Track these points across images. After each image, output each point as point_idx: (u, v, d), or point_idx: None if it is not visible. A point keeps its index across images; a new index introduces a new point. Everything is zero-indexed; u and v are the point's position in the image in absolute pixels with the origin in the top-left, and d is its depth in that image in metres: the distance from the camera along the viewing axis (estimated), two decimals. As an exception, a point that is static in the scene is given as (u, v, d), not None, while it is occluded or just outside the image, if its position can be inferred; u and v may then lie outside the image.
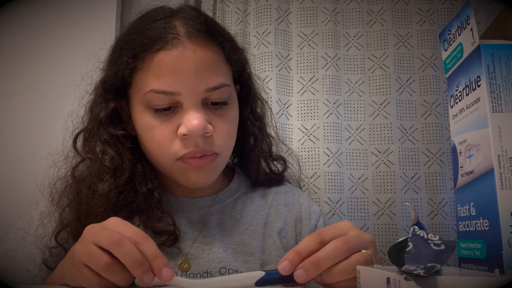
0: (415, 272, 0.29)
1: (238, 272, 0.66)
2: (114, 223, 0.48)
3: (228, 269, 0.66)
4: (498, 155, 0.39)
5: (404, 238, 0.31)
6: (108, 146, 0.67)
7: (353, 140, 1.35)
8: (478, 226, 0.41)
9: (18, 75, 1.25)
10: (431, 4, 1.41)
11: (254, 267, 0.68)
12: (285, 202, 0.79)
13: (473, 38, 0.42)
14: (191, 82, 0.62)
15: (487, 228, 0.39)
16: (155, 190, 0.67)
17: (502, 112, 0.40)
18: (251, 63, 1.39)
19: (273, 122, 0.87)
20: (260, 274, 0.45)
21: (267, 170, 0.84)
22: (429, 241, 0.28)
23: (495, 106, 0.40)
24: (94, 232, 0.47)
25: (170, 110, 0.64)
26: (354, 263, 0.45)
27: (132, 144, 0.69)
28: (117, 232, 0.44)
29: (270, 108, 0.87)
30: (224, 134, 0.66)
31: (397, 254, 0.30)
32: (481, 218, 0.40)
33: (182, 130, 0.62)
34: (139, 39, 0.64)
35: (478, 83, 0.41)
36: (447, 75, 0.49)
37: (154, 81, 0.62)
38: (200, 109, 0.63)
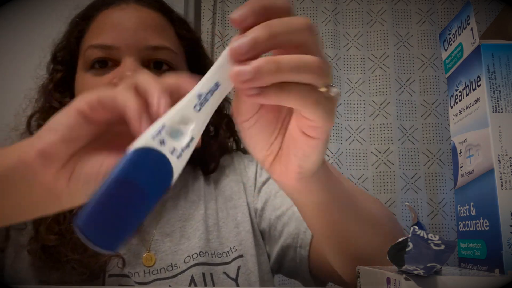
0: (415, 272, 0.29)
1: (204, 254, 0.61)
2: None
3: (192, 255, 0.61)
4: (498, 155, 0.39)
5: (404, 238, 0.31)
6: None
7: (353, 140, 1.35)
8: (478, 226, 0.41)
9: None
10: (431, 4, 1.41)
11: (216, 246, 0.63)
12: (229, 176, 0.72)
13: (473, 38, 0.42)
14: (130, 36, 0.60)
15: (487, 228, 0.39)
16: None
17: (502, 112, 0.40)
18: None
19: None
20: None
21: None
22: (429, 241, 0.28)
23: (495, 106, 0.40)
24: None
25: (107, 67, 0.60)
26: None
27: None
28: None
29: None
30: None
31: (397, 254, 0.30)
32: (481, 218, 0.40)
33: (114, 81, 0.58)
34: (90, 3, 0.66)
35: (478, 83, 0.41)
36: (447, 75, 0.49)
37: (94, 37, 0.62)
38: (138, 65, 0.60)
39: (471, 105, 0.43)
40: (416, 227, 0.29)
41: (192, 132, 0.31)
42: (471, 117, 0.43)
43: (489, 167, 0.39)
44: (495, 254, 0.38)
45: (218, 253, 0.63)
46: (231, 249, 0.64)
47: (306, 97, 0.30)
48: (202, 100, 0.31)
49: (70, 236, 0.55)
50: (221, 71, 0.31)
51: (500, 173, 0.38)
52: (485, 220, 0.40)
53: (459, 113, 0.46)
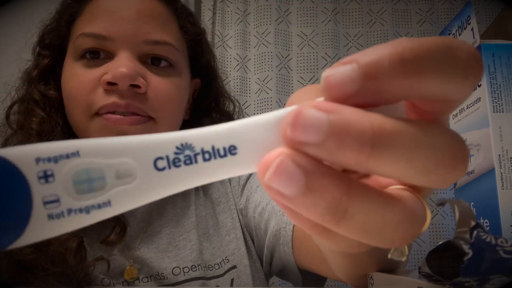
0: (466, 284, 0.22)
1: (195, 267, 0.56)
2: None
3: (183, 268, 0.56)
4: (499, 155, 0.39)
5: (444, 241, 0.25)
6: (38, 107, 0.56)
7: (353, 140, 1.35)
8: (478, 226, 0.41)
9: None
10: (431, 4, 1.41)
11: (207, 258, 0.59)
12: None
13: (474, 38, 0.42)
14: (128, 28, 0.53)
15: (487, 228, 0.39)
16: None
17: (503, 112, 0.40)
18: (251, 63, 1.39)
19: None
20: None
21: None
22: (497, 248, 0.22)
23: (496, 106, 0.40)
24: None
25: (99, 58, 0.54)
26: None
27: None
28: None
29: (242, 110, 0.77)
30: (163, 96, 0.54)
31: (444, 263, 0.24)
32: (481, 218, 0.40)
33: (106, 76, 0.51)
34: None
35: (479, 83, 0.41)
36: (447, 75, 0.49)
37: (87, 24, 0.54)
38: (135, 60, 0.53)
39: (471, 105, 0.43)
40: (482, 230, 0.22)
41: (116, 198, 0.16)
42: (471, 117, 0.43)
43: (490, 167, 0.39)
44: (495, 254, 0.38)
45: (210, 266, 0.57)
46: (223, 260, 0.58)
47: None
48: (184, 158, 0.16)
49: (47, 248, 0.49)
50: (257, 133, 0.16)
51: (501, 173, 0.38)
52: (486, 220, 0.40)
53: (459, 113, 0.46)
